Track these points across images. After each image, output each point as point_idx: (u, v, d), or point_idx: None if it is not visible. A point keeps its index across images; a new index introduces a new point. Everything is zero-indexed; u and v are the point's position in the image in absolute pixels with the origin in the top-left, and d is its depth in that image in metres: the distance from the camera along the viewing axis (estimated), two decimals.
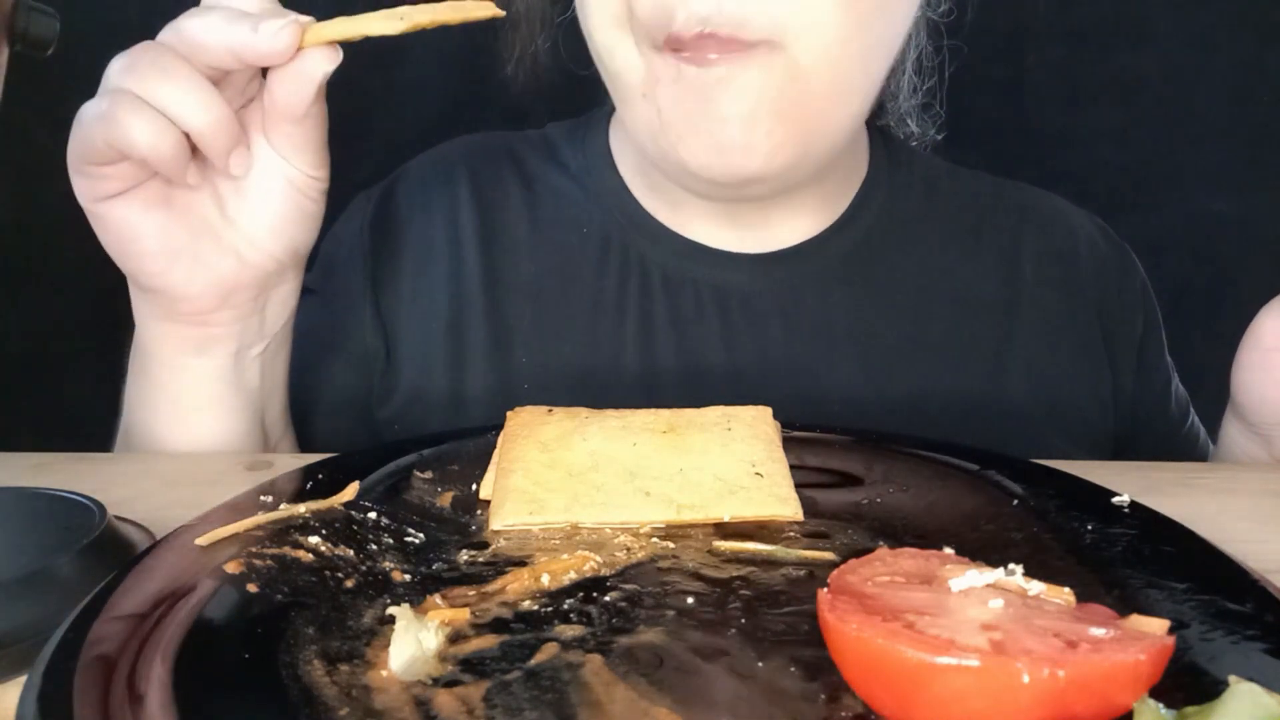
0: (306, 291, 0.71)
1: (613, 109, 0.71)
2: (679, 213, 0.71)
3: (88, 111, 0.50)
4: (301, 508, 0.41)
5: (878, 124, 0.78)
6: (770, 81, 0.57)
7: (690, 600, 0.35)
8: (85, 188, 0.52)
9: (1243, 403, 0.61)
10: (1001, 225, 0.76)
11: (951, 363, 0.70)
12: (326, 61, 0.51)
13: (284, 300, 0.61)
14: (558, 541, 0.41)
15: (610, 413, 0.49)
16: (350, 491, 0.43)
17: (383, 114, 1.03)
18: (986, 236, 0.75)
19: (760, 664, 0.31)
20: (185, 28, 0.50)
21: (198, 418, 0.60)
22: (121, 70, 0.50)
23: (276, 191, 0.56)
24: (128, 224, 0.53)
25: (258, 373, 0.61)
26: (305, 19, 0.50)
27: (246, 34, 0.49)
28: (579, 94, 0.74)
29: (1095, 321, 0.75)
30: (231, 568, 0.35)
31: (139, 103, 0.49)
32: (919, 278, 0.72)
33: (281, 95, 0.52)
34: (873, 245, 0.72)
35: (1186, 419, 0.80)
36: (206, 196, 0.55)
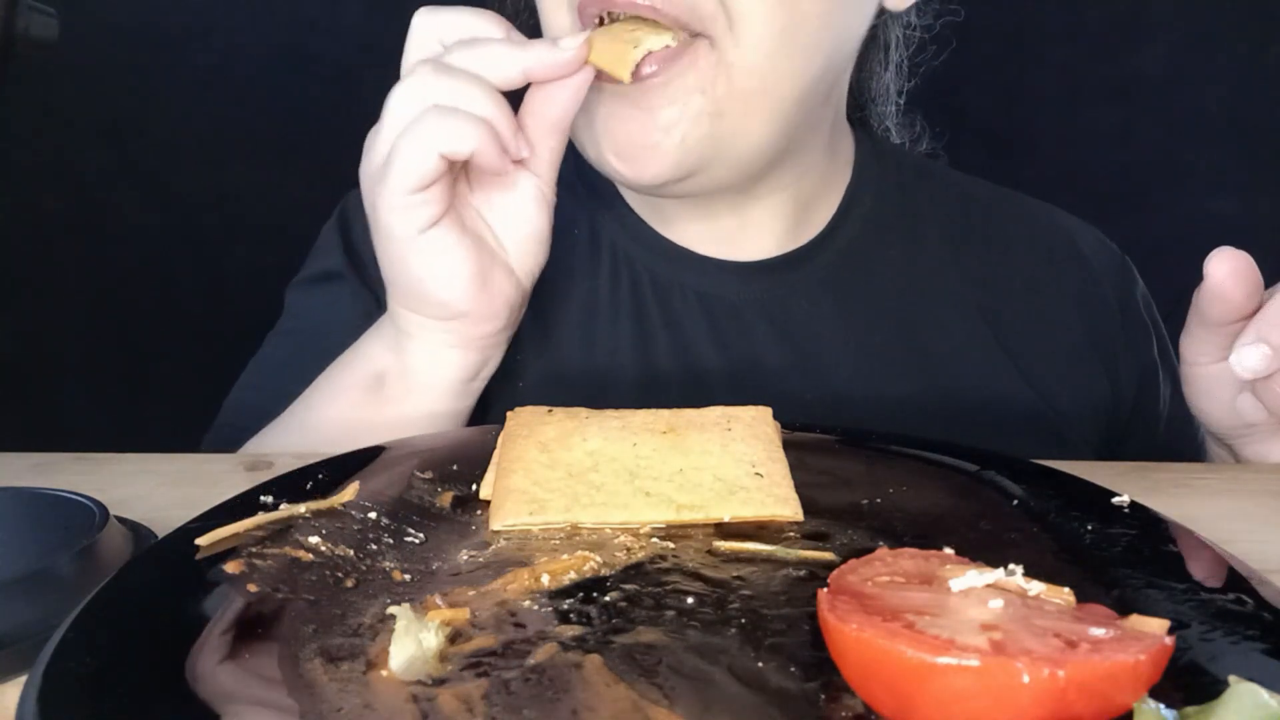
0: (336, 276, 0.71)
1: None
2: (663, 217, 0.71)
3: (398, 144, 0.51)
4: (301, 508, 0.41)
5: (870, 128, 0.78)
6: (699, 81, 0.57)
7: (690, 600, 0.35)
8: (408, 221, 0.53)
9: (1195, 417, 0.63)
10: (992, 231, 0.76)
11: (940, 369, 0.70)
12: (592, 72, 0.54)
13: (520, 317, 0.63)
14: (558, 541, 0.41)
15: (610, 413, 0.49)
16: (350, 491, 0.43)
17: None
18: (975, 242, 0.75)
19: (760, 664, 0.31)
20: (466, 58, 0.52)
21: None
22: (411, 95, 0.52)
23: (533, 209, 0.58)
24: (449, 248, 0.55)
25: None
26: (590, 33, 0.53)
27: (545, 53, 0.53)
28: None
29: (1087, 329, 0.74)
30: (231, 568, 0.36)
31: (452, 110, 0.51)
32: (907, 284, 0.72)
33: (557, 108, 0.55)
34: (859, 252, 0.72)
35: (1191, 421, 0.79)
36: (482, 224, 0.58)
